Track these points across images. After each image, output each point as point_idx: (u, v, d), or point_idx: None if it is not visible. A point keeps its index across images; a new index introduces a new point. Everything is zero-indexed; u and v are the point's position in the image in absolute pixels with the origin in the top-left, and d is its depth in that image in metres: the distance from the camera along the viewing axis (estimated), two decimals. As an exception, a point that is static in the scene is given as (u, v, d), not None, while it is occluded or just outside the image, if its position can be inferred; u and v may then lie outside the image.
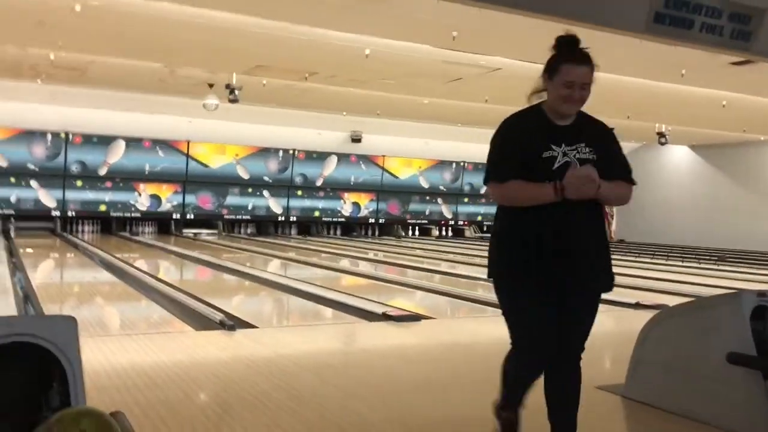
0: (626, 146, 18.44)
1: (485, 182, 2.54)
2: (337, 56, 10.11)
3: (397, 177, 19.11)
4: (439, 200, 19.96)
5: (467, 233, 20.88)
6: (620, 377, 3.70)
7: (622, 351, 3.79)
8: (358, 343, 5.42)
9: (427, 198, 19.75)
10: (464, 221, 20.60)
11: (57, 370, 1.78)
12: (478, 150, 19.29)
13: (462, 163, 19.76)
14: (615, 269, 2.59)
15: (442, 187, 19.78)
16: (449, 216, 20.24)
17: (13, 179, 15.01)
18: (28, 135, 14.97)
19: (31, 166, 15.09)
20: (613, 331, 5.65)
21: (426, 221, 20.06)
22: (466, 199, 20.25)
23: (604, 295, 2.57)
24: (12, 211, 15.14)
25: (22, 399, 1.80)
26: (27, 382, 1.81)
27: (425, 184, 19.51)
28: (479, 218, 20.72)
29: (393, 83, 12.07)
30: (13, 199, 15.06)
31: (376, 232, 19.57)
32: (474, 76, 11.05)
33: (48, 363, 1.78)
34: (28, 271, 8.66)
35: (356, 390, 3.78)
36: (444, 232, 20.49)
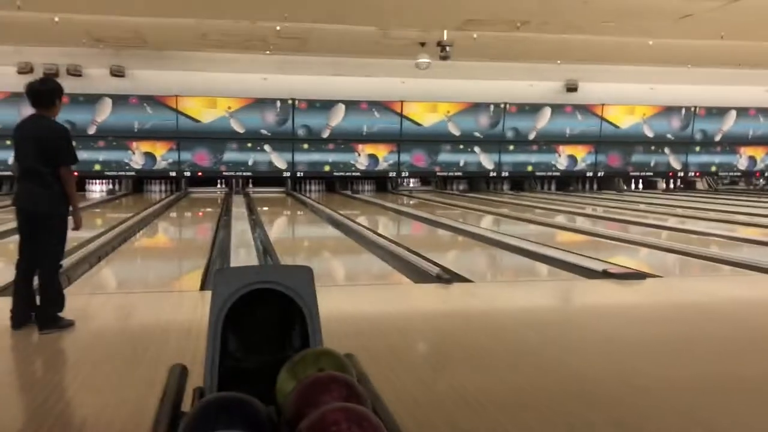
0: None
1: None
2: (551, 2, 9.68)
3: (617, 126, 17.99)
4: (666, 150, 18.46)
5: (699, 185, 19.15)
6: None
7: None
8: (576, 301, 5.26)
9: (652, 148, 18.36)
10: (695, 172, 18.87)
11: (297, 314, 1.94)
12: (712, 92, 17.49)
13: (693, 109, 18.03)
14: None
15: (669, 136, 18.26)
16: (678, 167, 18.66)
17: (249, 144, 16.63)
18: (261, 103, 16.43)
19: (264, 132, 16.59)
20: None
21: (651, 173, 18.71)
22: (697, 148, 18.51)
23: None
24: (250, 173, 16.83)
25: (268, 339, 2.00)
26: (272, 324, 2.01)
27: (650, 133, 18.14)
28: (713, 168, 18.85)
29: (613, 26, 11.29)
30: (250, 162, 16.72)
31: (595, 186, 18.68)
32: (707, 11, 9.95)
33: (290, 307, 1.95)
34: (266, 227, 9.58)
35: (576, 346, 3.67)
36: (672, 185, 18.98)
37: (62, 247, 4.06)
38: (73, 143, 4.06)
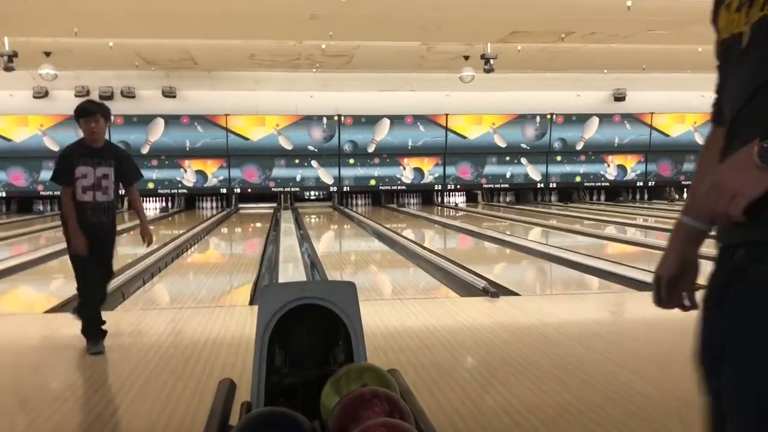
0: None
1: None
2: (595, 12, 9.59)
3: (668, 135, 17.61)
4: (719, 158, 17.96)
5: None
6: None
7: None
8: (628, 314, 5.16)
9: (704, 157, 17.89)
10: (749, 181, 18.29)
11: (342, 329, 1.97)
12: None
13: (745, 115, 17.51)
14: None
15: (721, 144, 17.77)
16: (731, 176, 18.13)
17: (297, 160, 16.88)
18: (308, 120, 16.67)
19: (311, 148, 16.81)
20: None
21: (703, 182, 18.21)
22: (751, 156, 17.97)
23: None
24: (297, 189, 17.07)
25: (314, 354, 2.04)
26: (317, 339, 2.04)
27: (702, 141, 17.60)
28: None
29: (660, 34, 11.10)
30: (298, 178, 16.95)
31: (645, 196, 18.30)
32: (759, 15, 9.69)
33: (334, 323, 1.98)
34: (313, 241, 9.68)
35: (627, 361, 3.61)
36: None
37: (77, 263, 4.01)
38: (61, 164, 3.99)
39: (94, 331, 3.95)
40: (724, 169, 1.06)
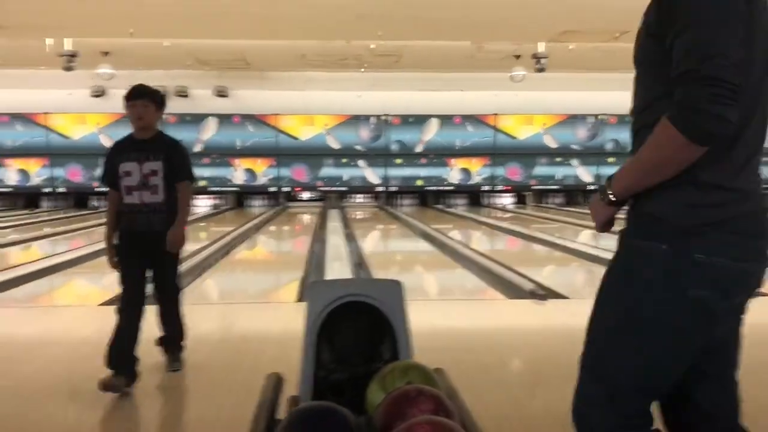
0: None
1: None
2: (650, 10, 9.36)
3: (723, 137, 17.07)
4: (778, 161, 17.35)
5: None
6: None
7: None
8: (680, 319, 5.01)
9: (764, 159, 17.29)
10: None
11: (388, 327, 1.97)
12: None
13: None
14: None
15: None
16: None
17: (344, 160, 16.98)
18: (356, 119, 16.76)
19: (359, 148, 16.89)
20: None
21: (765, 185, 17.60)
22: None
23: None
24: (345, 188, 17.16)
25: (360, 351, 2.04)
26: (364, 336, 2.05)
27: (759, 144, 17.09)
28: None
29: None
30: (345, 178, 17.05)
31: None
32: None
33: (380, 321, 1.98)
34: (359, 241, 9.71)
35: (679, 369, 3.50)
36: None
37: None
38: (105, 163, 3.52)
39: (115, 360, 3.19)
40: (594, 197, 1.66)
